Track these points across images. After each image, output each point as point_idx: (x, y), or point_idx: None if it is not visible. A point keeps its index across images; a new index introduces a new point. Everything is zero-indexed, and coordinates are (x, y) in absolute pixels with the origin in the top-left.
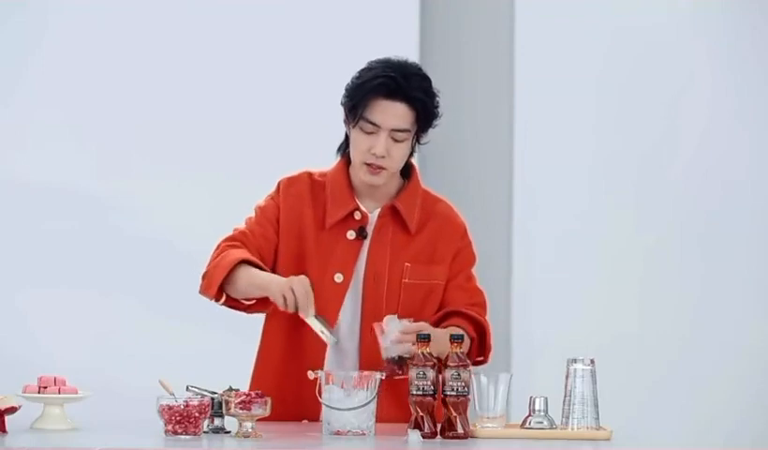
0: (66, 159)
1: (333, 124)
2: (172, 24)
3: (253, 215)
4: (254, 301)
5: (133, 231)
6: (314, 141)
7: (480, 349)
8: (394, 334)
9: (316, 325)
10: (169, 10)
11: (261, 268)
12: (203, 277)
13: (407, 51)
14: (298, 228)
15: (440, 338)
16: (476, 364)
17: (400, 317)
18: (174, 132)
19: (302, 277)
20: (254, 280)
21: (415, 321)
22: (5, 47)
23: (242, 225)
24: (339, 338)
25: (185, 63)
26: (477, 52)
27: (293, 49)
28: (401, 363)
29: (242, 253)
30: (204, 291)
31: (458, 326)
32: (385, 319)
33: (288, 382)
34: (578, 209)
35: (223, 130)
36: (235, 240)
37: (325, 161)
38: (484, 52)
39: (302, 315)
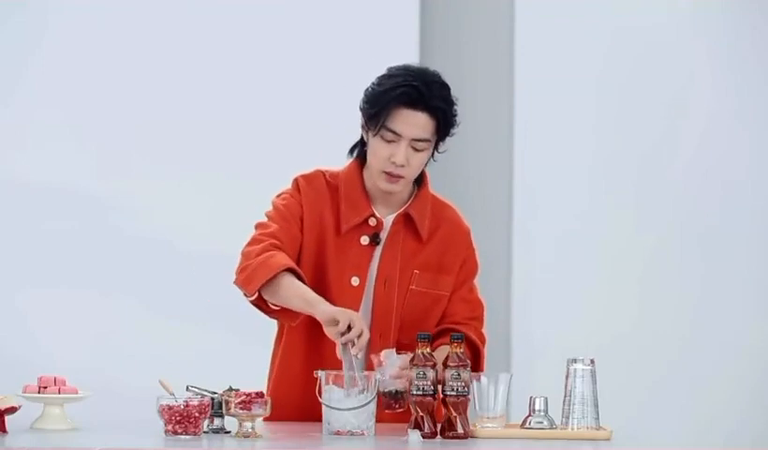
0: (66, 159)
1: (334, 124)
2: (172, 25)
3: (272, 210)
4: (279, 308)
5: (133, 231)
6: (314, 141)
7: (473, 368)
8: (394, 369)
9: (356, 368)
10: (170, 11)
11: (304, 280)
12: (242, 270)
13: (408, 51)
14: (319, 228)
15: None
16: None
17: (398, 350)
18: (174, 132)
19: (359, 313)
20: (302, 295)
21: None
22: (5, 47)
23: (266, 221)
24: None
25: (185, 63)
26: (477, 52)
27: (293, 49)
28: (398, 397)
29: (287, 260)
30: (242, 284)
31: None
32: (383, 352)
33: (308, 388)
34: (578, 209)
35: (223, 131)
36: (274, 238)
37: (325, 162)
38: (484, 52)
39: (353, 351)
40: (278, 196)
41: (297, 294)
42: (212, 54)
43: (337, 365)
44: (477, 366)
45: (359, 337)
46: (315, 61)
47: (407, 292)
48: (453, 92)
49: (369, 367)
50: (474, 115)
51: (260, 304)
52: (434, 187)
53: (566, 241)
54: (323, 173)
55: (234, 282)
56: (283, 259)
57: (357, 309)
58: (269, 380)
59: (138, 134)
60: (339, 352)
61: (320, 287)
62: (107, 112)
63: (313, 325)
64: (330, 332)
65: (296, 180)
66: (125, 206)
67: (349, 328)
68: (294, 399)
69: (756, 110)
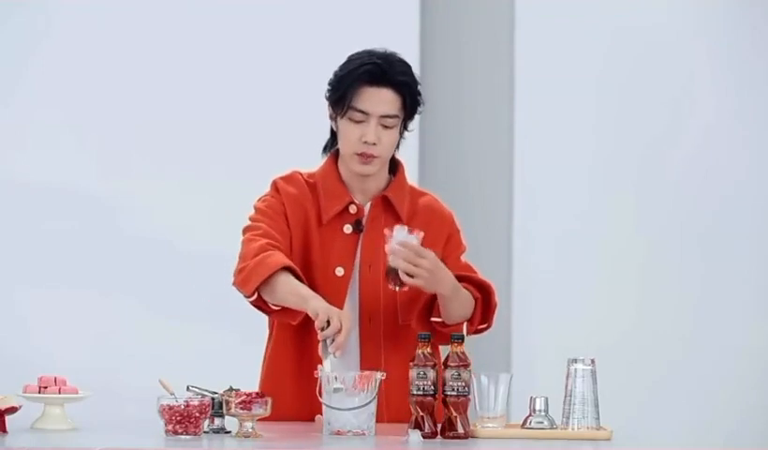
0: (67, 159)
1: None
2: (172, 25)
3: (256, 213)
4: (280, 308)
5: (133, 231)
6: (314, 141)
7: (484, 311)
8: (393, 244)
9: (329, 366)
10: (170, 11)
11: (301, 279)
12: (241, 271)
13: (408, 51)
14: (303, 223)
15: (441, 273)
16: (478, 331)
17: (410, 231)
18: (174, 132)
19: (347, 312)
20: (297, 291)
21: (424, 246)
22: (5, 47)
23: (252, 224)
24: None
25: (186, 63)
26: (477, 52)
27: (293, 49)
28: (395, 275)
29: (284, 258)
30: (241, 285)
31: (462, 285)
32: (396, 227)
33: (299, 381)
34: (578, 209)
35: (223, 131)
36: (269, 236)
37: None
38: (484, 52)
39: (331, 348)
40: (259, 200)
41: (291, 291)
42: (211, 54)
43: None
44: (488, 308)
45: (338, 334)
46: (316, 61)
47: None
48: (454, 92)
49: (367, 327)
50: (474, 115)
51: (260, 304)
52: (434, 186)
53: (566, 241)
54: (300, 174)
55: (233, 284)
56: (280, 257)
57: (343, 299)
58: (261, 375)
59: (138, 134)
60: (320, 349)
61: (307, 280)
62: (107, 112)
63: (302, 324)
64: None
65: (274, 182)
66: (125, 206)
67: (329, 325)
68: (283, 398)
69: (756, 109)
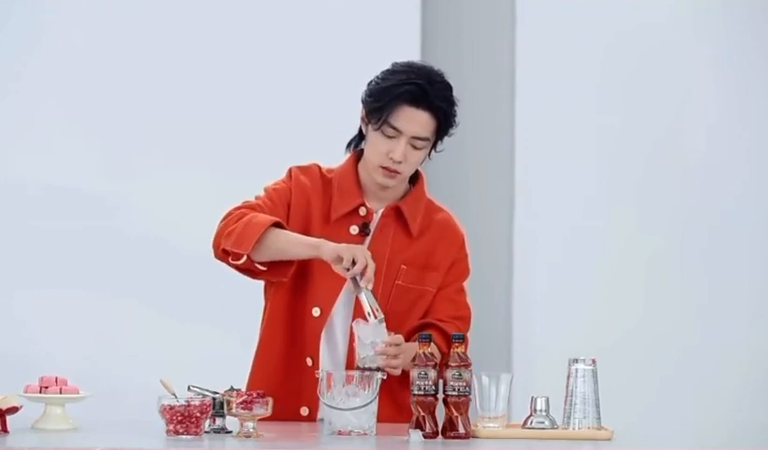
0: (67, 160)
1: (335, 123)
2: (172, 25)
3: (263, 194)
4: (267, 268)
5: (134, 231)
6: (316, 140)
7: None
8: (379, 346)
9: (371, 300)
10: (171, 11)
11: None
12: (227, 235)
13: (409, 51)
14: (306, 216)
15: (409, 351)
16: None
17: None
18: (177, 133)
19: (364, 247)
20: (304, 241)
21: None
22: (6, 46)
23: (252, 200)
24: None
25: (187, 63)
26: (478, 52)
27: (295, 49)
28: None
29: (272, 217)
30: (233, 247)
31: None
32: (371, 322)
33: (288, 375)
34: (579, 209)
35: (224, 131)
36: (251, 209)
37: (326, 160)
38: (485, 52)
39: (362, 284)
40: (272, 183)
41: (298, 241)
42: (212, 53)
43: (313, 352)
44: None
45: (365, 269)
46: (317, 61)
47: (393, 286)
48: (454, 91)
49: (353, 365)
50: (475, 115)
51: (250, 266)
52: (434, 187)
53: (567, 241)
54: (319, 167)
55: (218, 252)
56: (267, 216)
57: (336, 295)
58: (250, 371)
59: (138, 134)
60: (351, 288)
61: (304, 275)
62: (109, 112)
63: (290, 320)
64: (337, 270)
65: (290, 169)
66: (126, 207)
67: (354, 263)
68: (272, 395)
69: (759, 109)
